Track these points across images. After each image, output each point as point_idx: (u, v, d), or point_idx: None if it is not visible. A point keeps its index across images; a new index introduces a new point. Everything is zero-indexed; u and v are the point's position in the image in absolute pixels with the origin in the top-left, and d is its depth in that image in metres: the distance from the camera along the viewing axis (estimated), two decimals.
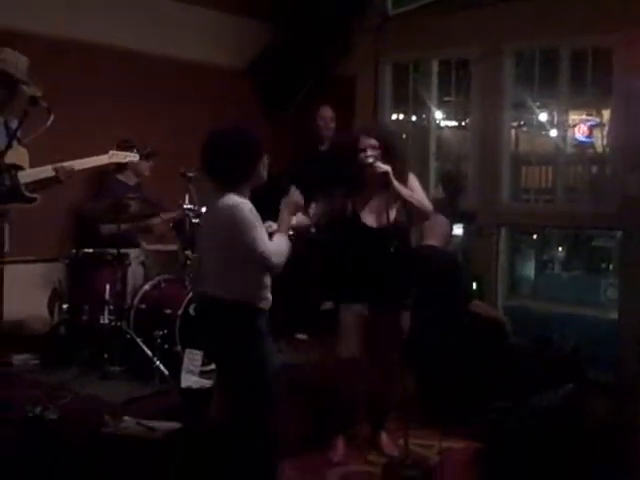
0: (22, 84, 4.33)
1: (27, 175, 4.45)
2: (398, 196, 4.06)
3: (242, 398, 3.44)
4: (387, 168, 3.99)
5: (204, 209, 5.33)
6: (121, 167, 5.82)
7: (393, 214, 4.12)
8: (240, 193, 3.39)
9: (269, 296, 3.48)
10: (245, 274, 3.38)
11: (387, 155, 4.13)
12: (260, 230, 3.33)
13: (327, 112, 6.45)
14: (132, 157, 5.08)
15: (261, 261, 3.33)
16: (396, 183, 4.01)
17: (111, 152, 4.84)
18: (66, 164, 4.54)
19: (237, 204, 3.32)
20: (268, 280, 3.48)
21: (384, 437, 4.34)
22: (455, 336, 4.84)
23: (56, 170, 4.48)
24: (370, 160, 4.05)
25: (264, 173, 3.51)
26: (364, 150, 4.11)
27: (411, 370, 4.68)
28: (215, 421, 3.71)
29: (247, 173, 3.43)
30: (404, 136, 7.34)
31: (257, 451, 3.42)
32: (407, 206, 4.11)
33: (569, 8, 5.95)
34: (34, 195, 4.48)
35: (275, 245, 3.38)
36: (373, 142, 4.14)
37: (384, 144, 4.16)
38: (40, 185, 4.52)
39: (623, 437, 4.48)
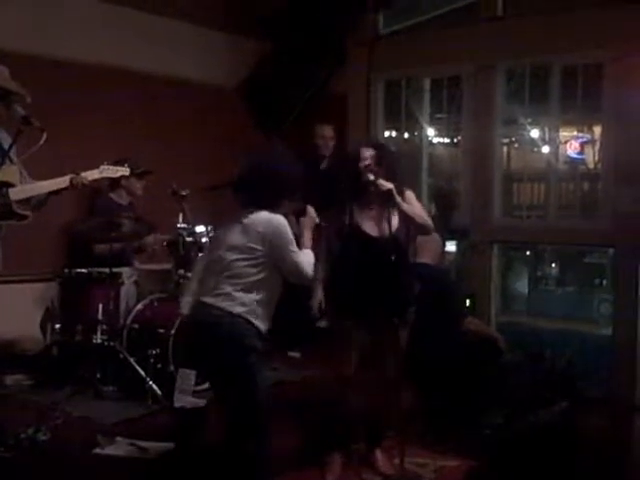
0: (12, 95, 4.33)
1: (23, 191, 4.45)
2: (401, 212, 4.06)
3: (235, 414, 3.43)
4: (390, 185, 3.98)
5: (202, 227, 5.38)
6: (114, 185, 5.82)
7: (395, 224, 4.10)
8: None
9: (268, 321, 3.51)
10: (257, 291, 3.41)
11: (385, 168, 4.13)
12: (297, 248, 3.48)
13: (326, 131, 6.47)
14: (123, 171, 5.07)
15: (299, 272, 3.45)
16: (399, 199, 4.02)
17: (102, 167, 4.84)
18: (48, 182, 4.54)
19: (280, 218, 3.47)
20: (273, 305, 3.53)
21: (379, 455, 4.32)
22: (449, 353, 4.83)
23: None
24: (372, 177, 4.05)
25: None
26: (364, 160, 4.12)
27: (407, 387, 4.67)
28: (209, 439, 3.70)
29: (282, 202, 3.55)
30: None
31: (250, 467, 3.40)
32: (408, 221, 4.10)
33: (560, 25, 6.00)
34: (26, 212, 4.47)
35: (306, 256, 3.51)
36: (371, 152, 4.16)
37: (381, 156, 4.17)
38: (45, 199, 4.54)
39: (617, 452, 4.48)
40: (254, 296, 3.41)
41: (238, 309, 3.37)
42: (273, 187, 3.52)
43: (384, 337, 4.15)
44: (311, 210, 3.76)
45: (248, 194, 3.54)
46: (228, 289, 3.40)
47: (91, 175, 4.77)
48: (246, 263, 3.40)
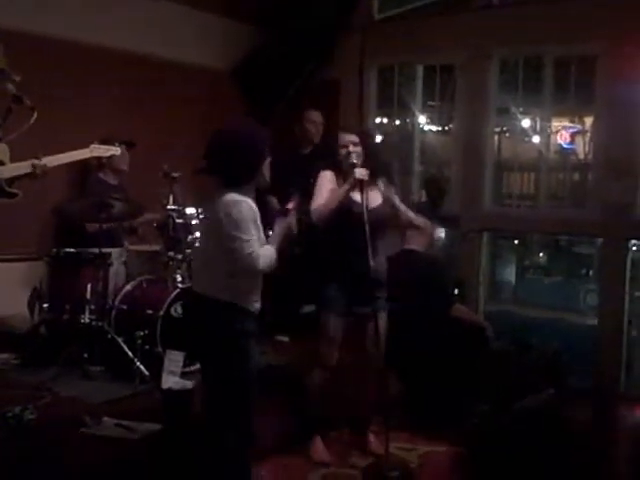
0: (3, 75, 4.29)
1: (7, 170, 4.41)
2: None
3: (222, 396, 3.44)
4: (364, 177, 4.03)
5: (192, 209, 5.36)
6: (101, 165, 5.78)
7: (376, 201, 4.17)
8: (243, 193, 3.40)
9: (259, 300, 3.49)
10: (239, 275, 3.38)
11: (366, 156, 4.17)
12: (255, 231, 3.36)
13: (317, 117, 6.45)
14: (114, 151, 5.03)
15: (248, 261, 3.34)
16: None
17: (92, 146, 4.81)
18: (44, 160, 4.50)
19: (237, 201, 3.34)
20: (260, 284, 3.50)
21: (371, 437, 4.33)
22: (436, 340, 4.85)
23: (33, 166, 4.45)
24: (354, 160, 4.10)
25: (267, 175, 3.54)
26: (345, 147, 4.16)
27: (393, 374, 4.69)
28: (196, 420, 3.71)
29: (251, 173, 3.45)
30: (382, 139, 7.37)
31: (232, 450, 3.41)
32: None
33: (554, 16, 6.00)
34: (15, 190, 4.44)
35: (264, 250, 3.42)
36: (354, 138, 4.19)
37: (364, 143, 4.20)
38: (17, 181, 4.49)
39: (602, 441, 4.52)
40: (238, 280, 3.38)
41: (225, 296, 3.36)
42: (232, 165, 3.41)
43: (364, 320, 4.17)
44: (292, 217, 3.69)
45: (216, 172, 3.47)
46: (213, 277, 3.39)
47: (81, 154, 4.74)
48: (223, 249, 3.35)
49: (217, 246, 3.38)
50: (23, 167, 4.47)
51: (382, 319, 4.19)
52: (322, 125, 6.46)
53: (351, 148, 4.17)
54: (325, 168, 4.29)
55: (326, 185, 4.21)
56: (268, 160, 3.52)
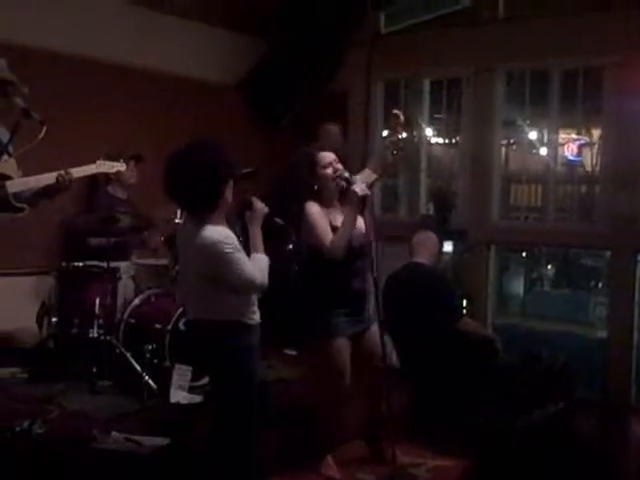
0: (9, 86, 4.31)
1: (15, 184, 4.43)
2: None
3: (227, 412, 3.42)
4: (365, 192, 3.90)
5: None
6: (110, 179, 5.80)
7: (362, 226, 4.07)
8: (214, 221, 3.25)
9: (257, 311, 3.44)
10: (233, 296, 3.33)
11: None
12: (243, 259, 3.25)
13: (335, 130, 6.39)
14: (119, 167, 5.05)
15: (249, 288, 3.32)
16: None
17: (99, 162, 4.82)
18: (64, 171, 4.52)
19: (217, 242, 3.18)
20: (255, 296, 3.46)
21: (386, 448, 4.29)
22: (445, 354, 4.84)
23: (58, 177, 4.47)
24: (347, 174, 4.00)
25: (230, 196, 3.33)
26: (330, 166, 4.04)
27: (401, 387, 4.67)
28: (203, 435, 3.70)
29: (211, 200, 3.23)
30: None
31: (235, 464, 3.39)
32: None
33: (561, 29, 6.00)
34: (22, 205, 4.46)
35: (256, 265, 3.31)
36: (334, 156, 4.08)
37: (340, 159, 4.11)
38: (41, 194, 4.50)
39: (612, 454, 4.49)
40: (233, 299, 3.32)
41: (224, 315, 3.32)
42: (188, 194, 3.23)
43: (366, 336, 4.15)
44: (257, 203, 3.42)
45: (178, 202, 3.39)
46: (206, 301, 3.32)
47: (88, 170, 4.76)
48: (211, 280, 3.26)
49: (204, 276, 3.29)
50: (47, 179, 4.49)
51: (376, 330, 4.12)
52: (341, 138, 6.35)
53: (330, 171, 4.02)
54: (308, 198, 4.07)
55: (321, 218, 3.99)
56: (231, 184, 3.30)
